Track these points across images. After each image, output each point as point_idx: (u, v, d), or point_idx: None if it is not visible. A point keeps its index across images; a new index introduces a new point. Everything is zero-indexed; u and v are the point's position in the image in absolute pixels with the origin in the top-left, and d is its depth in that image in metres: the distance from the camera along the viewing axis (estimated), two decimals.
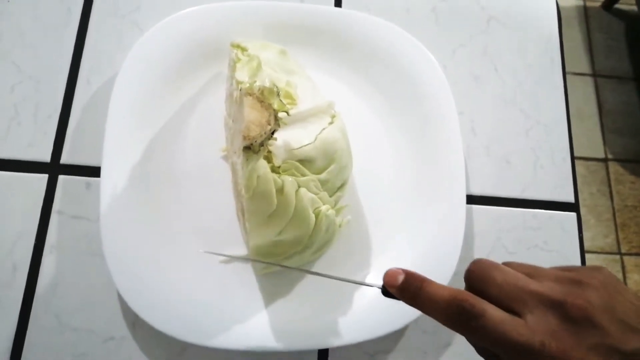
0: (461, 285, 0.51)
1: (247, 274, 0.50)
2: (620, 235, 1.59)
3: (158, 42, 0.53)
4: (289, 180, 0.42)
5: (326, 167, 0.45)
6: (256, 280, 0.50)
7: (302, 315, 0.48)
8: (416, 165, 0.54)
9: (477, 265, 0.31)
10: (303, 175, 0.43)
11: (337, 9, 0.58)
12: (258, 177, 0.40)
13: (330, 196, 0.46)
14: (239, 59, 0.46)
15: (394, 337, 0.51)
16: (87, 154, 0.53)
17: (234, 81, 0.46)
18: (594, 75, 1.75)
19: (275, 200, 0.41)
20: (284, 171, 0.42)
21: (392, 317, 0.48)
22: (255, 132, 0.39)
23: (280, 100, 0.41)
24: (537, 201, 0.57)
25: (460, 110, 0.59)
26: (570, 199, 0.58)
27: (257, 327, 0.47)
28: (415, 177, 0.54)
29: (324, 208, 0.44)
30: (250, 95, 0.40)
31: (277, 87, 0.42)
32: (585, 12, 1.82)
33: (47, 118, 0.54)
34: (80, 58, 0.56)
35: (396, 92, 0.56)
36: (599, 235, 1.58)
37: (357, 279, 0.50)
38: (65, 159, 0.53)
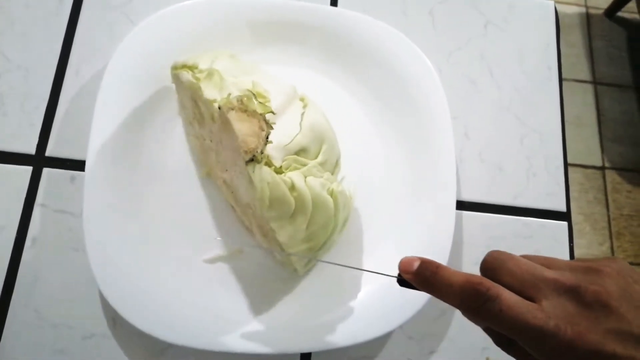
0: None
1: (230, 275, 0.49)
2: (615, 244, 1.58)
3: (148, 36, 0.52)
4: (295, 175, 0.42)
5: (320, 149, 0.45)
6: (239, 282, 0.49)
7: (285, 318, 0.48)
8: (407, 168, 0.54)
9: (491, 256, 0.31)
10: (304, 165, 0.43)
11: (333, 7, 0.57)
12: (268, 184, 0.40)
13: (332, 174, 0.46)
14: (198, 79, 0.45)
15: (379, 343, 0.51)
16: (73, 147, 0.52)
17: (201, 103, 0.45)
18: (594, 82, 1.74)
19: (292, 200, 0.41)
20: (286, 168, 0.42)
21: (376, 322, 0.47)
22: (253, 143, 0.38)
23: (260, 103, 0.41)
24: (528, 209, 0.56)
25: (455, 114, 0.58)
26: (562, 208, 0.57)
27: (239, 330, 0.46)
28: (405, 180, 0.53)
29: (333, 186, 0.44)
30: (232, 109, 0.39)
31: (250, 91, 0.41)
32: (587, 19, 1.81)
33: (34, 109, 0.53)
34: (69, 49, 0.55)
35: (389, 93, 0.55)
36: (594, 243, 1.58)
37: (345, 284, 0.50)
38: (51, 151, 0.52)
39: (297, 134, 0.44)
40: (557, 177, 0.58)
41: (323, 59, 0.56)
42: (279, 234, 0.41)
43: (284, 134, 0.43)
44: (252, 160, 0.38)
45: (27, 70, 0.54)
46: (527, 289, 0.28)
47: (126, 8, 0.57)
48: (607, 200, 1.62)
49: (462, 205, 0.55)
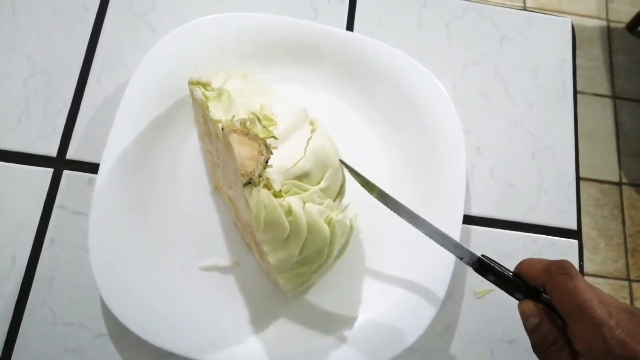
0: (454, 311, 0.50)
1: (234, 289, 0.50)
2: (630, 261, 1.56)
3: (172, 48, 0.53)
4: (294, 200, 0.42)
5: (323, 175, 0.45)
6: (243, 296, 0.49)
7: (288, 336, 0.48)
8: (415, 189, 0.54)
9: (568, 264, 0.36)
10: (304, 190, 0.43)
11: (348, 32, 0.58)
12: (265, 206, 0.40)
13: (334, 201, 0.46)
14: (208, 97, 0.46)
15: None
16: (92, 151, 0.53)
17: (209, 121, 0.46)
18: (614, 97, 1.72)
19: (287, 224, 0.41)
20: (286, 192, 0.42)
21: (381, 347, 0.47)
22: (251, 166, 0.39)
23: (264, 127, 0.42)
24: (539, 226, 0.56)
25: (467, 129, 0.58)
26: (573, 225, 0.57)
27: (240, 344, 0.47)
28: (413, 201, 0.52)
29: (333, 215, 0.44)
30: (234, 131, 0.40)
31: (255, 114, 0.42)
32: (609, 33, 1.79)
33: (57, 113, 0.55)
34: (93, 55, 0.57)
35: (401, 117, 0.56)
36: (608, 260, 1.55)
37: (340, 311, 0.50)
38: (71, 154, 0.53)
39: (300, 159, 0.44)
40: (569, 194, 0.58)
41: (334, 79, 0.57)
42: (270, 256, 0.42)
43: (287, 158, 0.43)
44: (250, 183, 0.39)
45: (51, 74, 0.56)
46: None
47: (149, 16, 0.59)
48: (623, 216, 1.60)
49: (471, 220, 0.55)
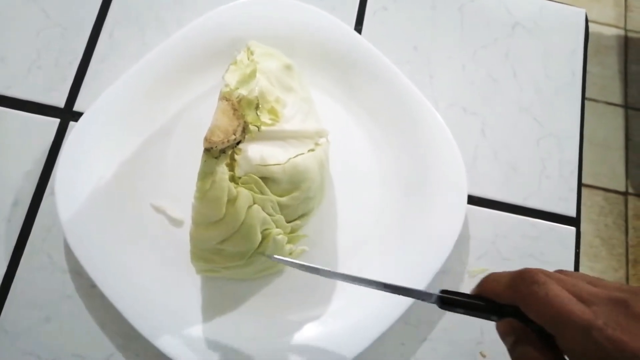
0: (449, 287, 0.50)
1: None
2: (631, 272, 1.55)
3: (194, 38, 0.53)
4: (244, 194, 0.40)
5: (289, 192, 0.43)
6: (201, 282, 0.49)
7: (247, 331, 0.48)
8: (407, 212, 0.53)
9: (533, 271, 0.31)
10: (262, 193, 0.42)
11: (358, 36, 0.56)
12: (213, 181, 0.39)
13: (288, 222, 0.45)
14: (235, 62, 0.45)
15: None
16: None
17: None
18: (626, 107, 1.71)
19: (223, 210, 0.40)
20: (243, 184, 0.41)
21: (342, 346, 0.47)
22: (218, 137, 0.39)
23: (257, 114, 0.41)
24: (538, 211, 0.56)
25: (473, 110, 0.58)
26: (572, 213, 0.57)
27: (199, 337, 0.47)
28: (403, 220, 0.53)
29: (274, 231, 0.43)
30: (226, 100, 0.40)
31: (258, 100, 0.41)
32: (626, 42, 1.78)
33: (67, 65, 0.55)
34: (107, 11, 0.57)
35: (397, 143, 0.55)
36: (609, 268, 1.55)
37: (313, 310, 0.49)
38: (79, 106, 0.54)
39: (276, 164, 0.42)
40: (571, 182, 0.58)
41: (334, 78, 0.56)
42: (193, 227, 0.41)
43: (268, 156, 0.42)
44: (209, 151, 0.39)
45: (65, 28, 0.57)
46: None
47: None
48: (627, 226, 1.59)
49: (471, 200, 0.55)
